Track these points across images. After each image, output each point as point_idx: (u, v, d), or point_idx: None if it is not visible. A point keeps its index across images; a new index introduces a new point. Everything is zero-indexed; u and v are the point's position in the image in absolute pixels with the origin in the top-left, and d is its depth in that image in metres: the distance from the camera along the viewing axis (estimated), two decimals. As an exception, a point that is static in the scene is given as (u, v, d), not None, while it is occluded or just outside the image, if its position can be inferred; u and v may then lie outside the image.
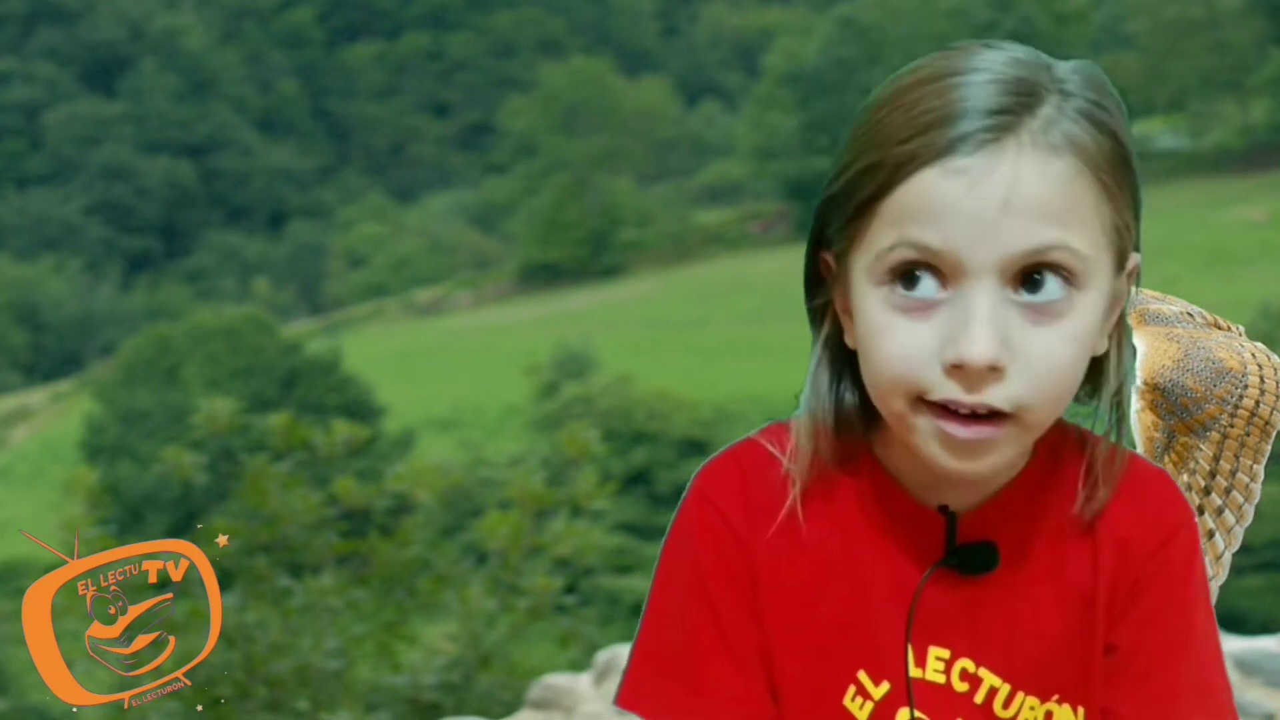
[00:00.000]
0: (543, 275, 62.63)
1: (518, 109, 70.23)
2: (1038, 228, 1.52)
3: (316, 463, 8.65)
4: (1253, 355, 2.22)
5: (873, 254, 1.56)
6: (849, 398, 1.65)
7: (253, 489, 8.31)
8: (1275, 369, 2.21)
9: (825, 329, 1.65)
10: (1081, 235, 1.54)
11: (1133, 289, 1.63)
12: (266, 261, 74.27)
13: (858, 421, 1.65)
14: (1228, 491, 2.15)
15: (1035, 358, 1.54)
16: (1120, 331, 1.63)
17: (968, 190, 1.52)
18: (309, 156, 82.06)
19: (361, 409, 38.39)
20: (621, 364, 44.18)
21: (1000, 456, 1.57)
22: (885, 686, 1.64)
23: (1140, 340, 2.22)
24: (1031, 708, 1.65)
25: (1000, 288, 1.53)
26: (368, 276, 68.85)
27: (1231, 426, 2.16)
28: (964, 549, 1.64)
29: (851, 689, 1.65)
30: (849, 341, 1.63)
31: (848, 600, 1.64)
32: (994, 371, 1.53)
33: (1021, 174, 1.52)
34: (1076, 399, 1.63)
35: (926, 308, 1.54)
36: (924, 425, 1.56)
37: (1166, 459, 2.17)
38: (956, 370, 1.53)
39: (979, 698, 1.65)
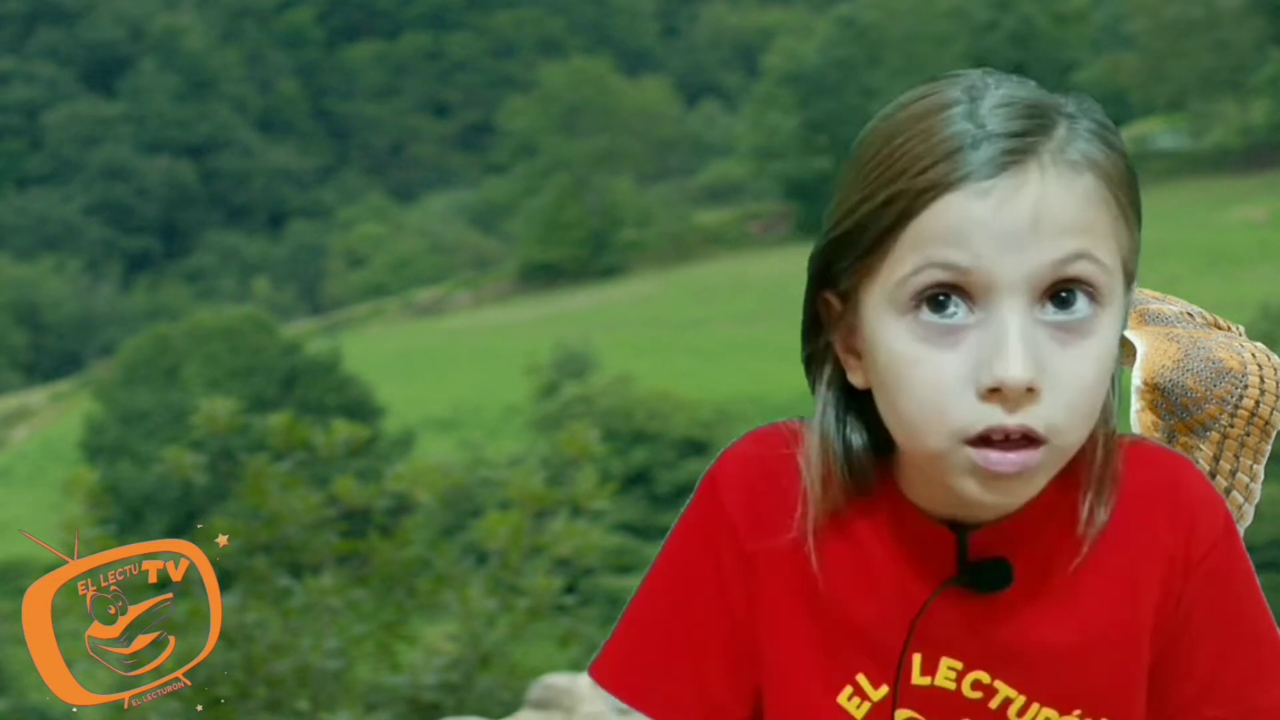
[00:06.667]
0: (543, 275, 62.65)
1: (518, 109, 70.25)
2: (1065, 240, 1.53)
3: (316, 463, 8.65)
4: (1253, 355, 2.21)
5: (894, 282, 1.54)
6: (857, 440, 1.64)
7: (253, 489, 8.30)
8: (1275, 369, 2.21)
9: (827, 371, 1.64)
10: (1104, 249, 1.55)
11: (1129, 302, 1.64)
12: (266, 261, 74.29)
13: (869, 461, 1.64)
14: (1228, 492, 2.15)
15: (1066, 379, 1.53)
16: (1116, 360, 1.64)
17: (996, 210, 1.52)
18: (309, 156, 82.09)
19: (361, 409, 38.40)
20: (621, 364, 44.19)
21: (1033, 487, 1.56)
22: (884, 690, 1.65)
23: (1140, 340, 2.21)
24: (1048, 719, 1.64)
25: (1028, 307, 1.53)
26: (368, 276, 68.88)
27: (1231, 426, 2.15)
28: (975, 566, 1.63)
29: (849, 689, 1.65)
30: (855, 382, 1.62)
31: (853, 609, 1.65)
32: (1030, 393, 1.52)
33: (1048, 191, 1.53)
34: None
35: (954, 333, 1.53)
36: (960, 461, 1.54)
37: (1166, 459, 2.16)
38: (993, 394, 1.52)
39: (993, 704, 1.64)
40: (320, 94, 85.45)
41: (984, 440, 1.53)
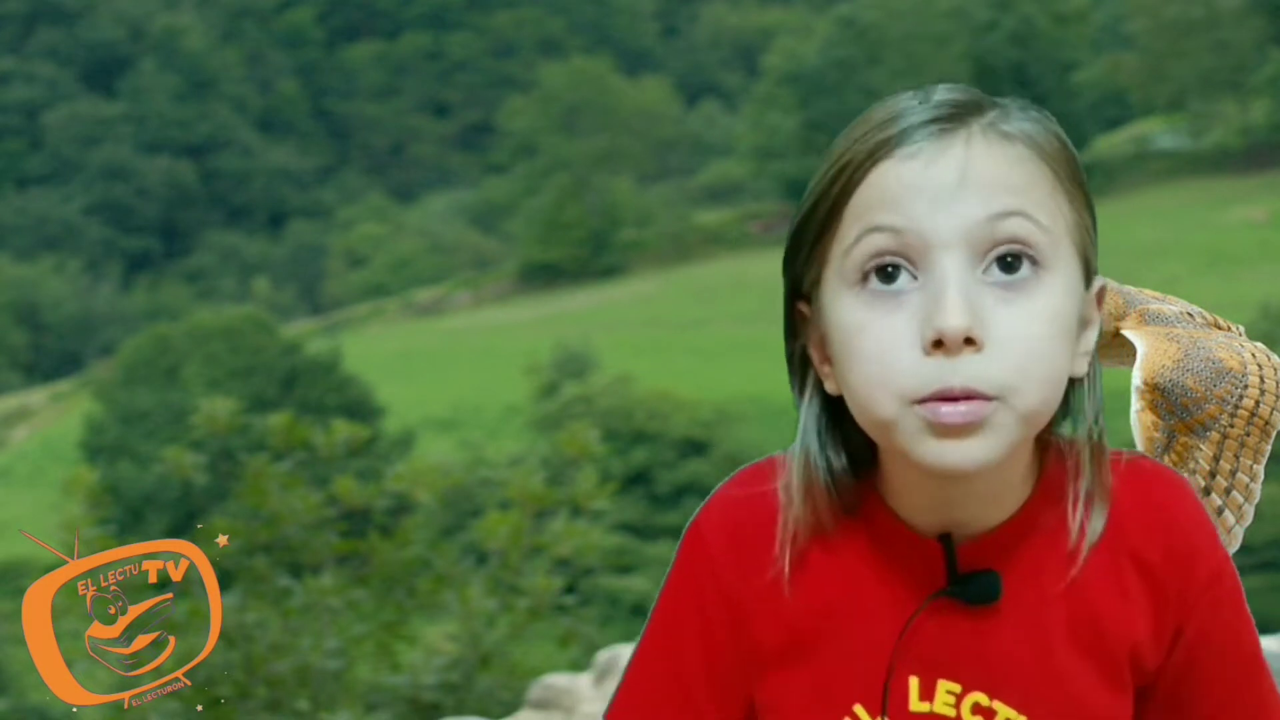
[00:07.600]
0: (543, 275, 62.63)
1: (518, 109, 70.22)
2: (997, 197, 1.56)
3: (316, 463, 8.64)
4: (1253, 355, 2.21)
5: (840, 255, 1.58)
6: (839, 455, 1.64)
7: (253, 489, 8.30)
8: (1275, 369, 2.20)
9: (809, 385, 1.65)
10: (1041, 212, 1.57)
11: (1100, 315, 1.64)
12: (266, 261, 74.27)
13: (850, 478, 1.64)
14: (1228, 492, 2.15)
15: (1010, 335, 1.54)
16: (1094, 364, 1.63)
17: (924, 170, 1.56)
18: (309, 156, 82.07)
19: (361, 409, 38.40)
20: (621, 364, 44.18)
21: (993, 443, 1.55)
22: None
23: (1140, 340, 2.21)
24: None
25: (969, 267, 1.55)
26: (368, 276, 68.86)
27: (1231, 426, 2.15)
28: (964, 578, 1.62)
29: None
30: (829, 389, 1.63)
31: (848, 634, 1.64)
32: (971, 345, 1.53)
33: (975, 154, 1.57)
34: (1055, 424, 1.62)
35: (899, 298, 1.55)
36: (911, 422, 1.55)
37: (1166, 459, 2.16)
38: (937, 348, 1.53)
39: None
40: (320, 94, 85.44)
41: (932, 400, 1.54)
